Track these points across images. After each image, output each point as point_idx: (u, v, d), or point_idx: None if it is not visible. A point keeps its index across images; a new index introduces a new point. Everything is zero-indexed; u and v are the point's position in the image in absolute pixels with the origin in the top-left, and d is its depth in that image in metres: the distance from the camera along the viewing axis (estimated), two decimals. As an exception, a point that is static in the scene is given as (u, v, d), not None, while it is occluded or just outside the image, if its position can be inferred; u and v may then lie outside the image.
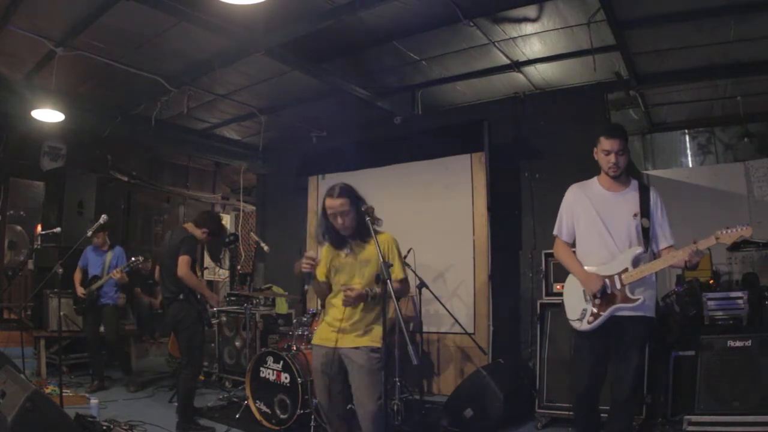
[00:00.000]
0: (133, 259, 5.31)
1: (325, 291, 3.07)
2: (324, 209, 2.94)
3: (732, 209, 5.89)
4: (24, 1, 4.04)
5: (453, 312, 5.09)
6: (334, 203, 2.86)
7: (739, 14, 4.07)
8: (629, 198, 2.96)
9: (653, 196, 2.95)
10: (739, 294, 4.08)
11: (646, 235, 2.89)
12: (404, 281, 3.01)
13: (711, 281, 4.89)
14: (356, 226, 2.89)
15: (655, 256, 2.94)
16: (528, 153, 5.74)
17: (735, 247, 5.40)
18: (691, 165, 6.95)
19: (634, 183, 3.02)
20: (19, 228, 7.84)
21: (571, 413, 3.81)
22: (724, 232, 2.71)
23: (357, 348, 2.85)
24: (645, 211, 2.90)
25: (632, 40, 4.52)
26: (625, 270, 2.87)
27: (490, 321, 5.40)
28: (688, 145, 7.02)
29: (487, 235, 5.51)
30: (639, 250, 2.88)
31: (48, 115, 5.24)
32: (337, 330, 2.91)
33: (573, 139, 5.34)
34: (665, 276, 5.82)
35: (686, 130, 6.96)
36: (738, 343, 3.72)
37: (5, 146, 7.17)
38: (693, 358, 3.86)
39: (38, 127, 6.11)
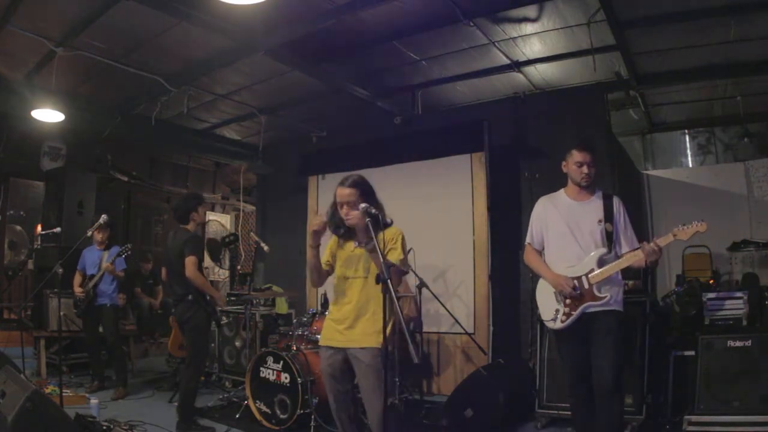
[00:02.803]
0: (121, 248, 5.25)
1: (319, 274, 3.01)
2: (335, 198, 2.93)
3: (732, 209, 5.89)
4: (24, 1, 4.04)
5: (453, 312, 5.09)
6: (343, 192, 2.87)
7: (739, 14, 4.07)
8: (594, 206, 3.19)
9: (616, 203, 3.19)
10: (739, 294, 4.09)
11: (610, 238, 3.11)
12: (399, 264, 2.83)
13: (711, 281, 4.90)
14: (372, 219, 2.76)
15: (619, 258, 3.11)
16: (528, 153, 5.74)
17: (735, 247, 5.41)
18: (691, 165, 6.96)
19: (598, 192, 3.26)
20: (19, 228, 7.84)
21: (570, 413, 3.81)
22: (681, 228, 2.92)
23: (364, 348, 2.81)
24: (608, 217, 3.14)
25: (632, 40, 4.52)
26: (591, 270, 3.07)
27: (490, 321, 5.39)
28: (688, 145, 7.03)
29: (487, 235, 5.50)
30: (603, 251, 3.09)
31: (48, 115, 5.23)
32: (344, 329, 2.88)
33: (573, 139, 5.29)
34: (665, 276, 5.84)
35: (686, 130, 6.97)
36: (738, 343, 3.72)
37: (5, 146, 7.18)
38: (693, 358, 3.86)
39: (38, 127, 6.11)
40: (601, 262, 3.07)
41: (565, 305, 3.13)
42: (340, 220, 2.91)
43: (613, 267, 3.04)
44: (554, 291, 3.20)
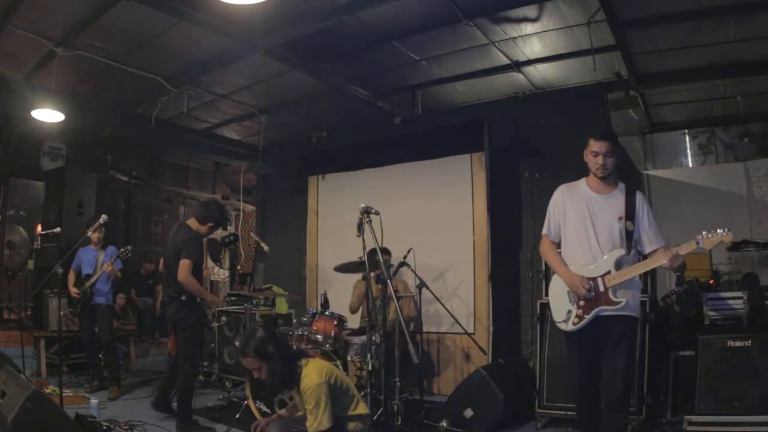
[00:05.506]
0: (121, 250, 5.26)
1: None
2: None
3: (732, 209, 5.89)
4: (24, 1, 4.04)
5: (453, 312, 5.09)
6: (245, 361, 2.87)
7: (739, 14, 4.07)
8: (615, 201, 3.01)
9: (639, 199, 2.99)
10: (739, 294, 4.08)
11: (630, 238, 2.92)
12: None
13: (711, 281, 4.89)
14: (277, 380, 2.89)
15: (642, 258, 2.98)
16: (528, 153, 5.74)
17: (735, 247, 5.40)
18: (691, 165, 6.95)
19: (622, 186, 3.06)
20: (19, 228, 7.84)
21: (570, 413, 3.81)
22: (705, 235, 2.75)
23: None
24: (630, 214, 2.94)
25: (632, 40, 4.52)
26: (608, 272, 2.90)
27: (490, 321, 5.39)
28: (688, 145, 7.03)
29: (487, 235, 5.50)
30: (621, 252, 2.91)
31: (48, 115, 5.23)
32: None
33: (573, 139, 5.27)
34: (665, 276, 5.83)
35: (686, 130, 6.96)
36: (738, 343, 3.72)
37: (5, 146, 7.18)
38: (693, 358, 3.86)
39: (38, 127, 6.12)
40: (619, 264, 2.89)
41: (578, 307, 2.96)
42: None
43: (631, 271, 2.87)
44: (567, 290, 3.02)
